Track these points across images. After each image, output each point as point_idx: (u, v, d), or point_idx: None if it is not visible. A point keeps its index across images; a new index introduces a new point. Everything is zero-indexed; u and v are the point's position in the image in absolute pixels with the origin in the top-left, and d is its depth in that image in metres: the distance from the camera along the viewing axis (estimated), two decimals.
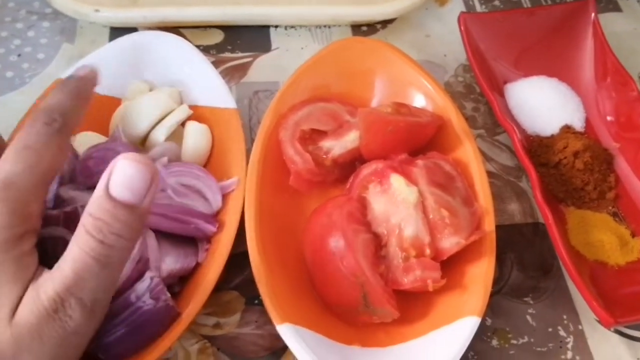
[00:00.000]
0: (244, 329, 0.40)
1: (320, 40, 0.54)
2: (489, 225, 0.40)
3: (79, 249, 0.24)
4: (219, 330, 0.40)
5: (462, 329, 0.37)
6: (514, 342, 0.41)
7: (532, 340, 0.41)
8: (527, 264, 0.44)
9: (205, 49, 0.53)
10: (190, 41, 0.53)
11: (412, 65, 0.47)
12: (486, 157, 0.49)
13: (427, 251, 0.39)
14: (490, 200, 0.41)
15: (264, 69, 0.52)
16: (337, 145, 0.43)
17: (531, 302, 0.43)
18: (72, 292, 0.25)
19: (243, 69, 0.52)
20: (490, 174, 0.48)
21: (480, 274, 0.39)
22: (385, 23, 0.56)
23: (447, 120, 0.45)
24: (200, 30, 0.54)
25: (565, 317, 0.42)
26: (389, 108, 0.43)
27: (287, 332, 0.35)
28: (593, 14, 0.52)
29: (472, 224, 0.40)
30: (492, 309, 0.42)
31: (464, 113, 0.51)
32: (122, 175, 0.23)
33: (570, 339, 0.42)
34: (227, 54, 0.53)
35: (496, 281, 0.44)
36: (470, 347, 0.40)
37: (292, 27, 0.55)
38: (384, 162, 0.42)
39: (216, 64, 0.52)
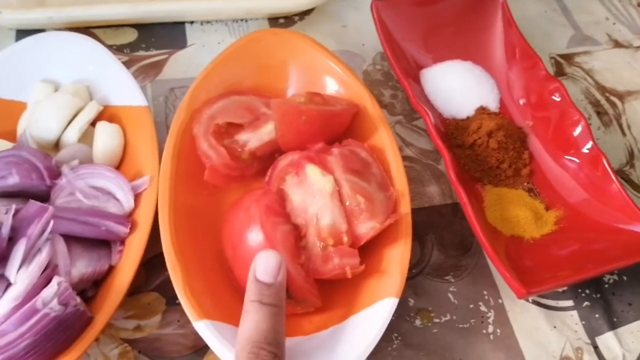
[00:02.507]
0: (165, 330, 0.40)
1: (237, 34, 0.54)
2: (405, 207, 0.41)
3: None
4: (139, 333, 0.39)
5: (380, 311, 0.37)
6: (437, 320, 0.42)
7: (454, 317, 0.42)
8: (447, 243, 0.45)
9: (118, 48, 0.52)
10: (102, 41, 0.52)
11: (327, 54, 0.47)
12: (405, 143, 0.50)
13: (345, 239, 0.39)
14: (405, 184, 0.42)
15: (180, 65, 0.51)
16: (254, 138, 0.43)
17: (452, 280, 0.44)
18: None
19: (158, 66, 0.51)
20: (409, 159, 0.49)
21: (398, 256, 0.39)
22: (303, 15, 0.56)
23: (362, 107, 0.45)
24: (112, 29, 0.53)
25: (485, 292, 0.44)
26: (303, 98, 0.43)
27: (205, 329, 0.35)
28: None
29: (388, 208, 0.41)
30: (415, 289, 0.43)
31: (382, 100, 0.52)
32: (261, 266, 0.33)
33: (492, 314, 0.43)
34: (142, 52, 0.52)
35: (417, 262, 0.44)
36: (394, 329, 0.41)
37: (208, 22, 0.54)
38: (300, 153, 0.42)
39: (130, 62, 0.51)
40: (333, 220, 0.39)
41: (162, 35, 0.53)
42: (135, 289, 0.41)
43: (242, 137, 0.43)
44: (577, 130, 0.47)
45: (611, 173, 0.45)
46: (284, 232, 0.39)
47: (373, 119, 0.45)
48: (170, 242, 0.38)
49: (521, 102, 0.51)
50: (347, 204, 0.40)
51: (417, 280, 0.44)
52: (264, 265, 0.33)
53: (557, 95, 0.48)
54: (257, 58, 0.46)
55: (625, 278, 0.45)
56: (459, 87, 0.51)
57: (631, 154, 0.52)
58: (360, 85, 0.46)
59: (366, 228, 0.39)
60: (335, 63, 0.46)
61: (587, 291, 0.45)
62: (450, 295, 0.43)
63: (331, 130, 0.44)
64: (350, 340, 0.37)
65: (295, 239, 0.39)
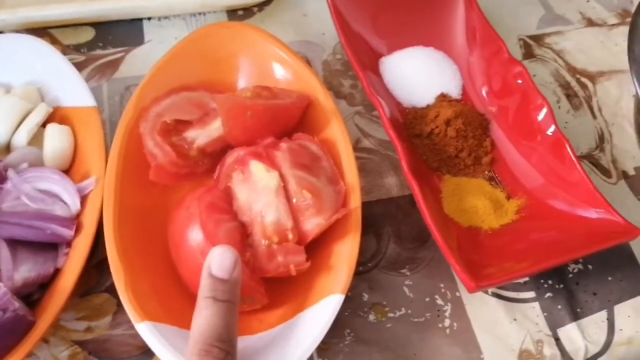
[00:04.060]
0: (115, 331, 0.40)
1: (194, 28, 0.53)
2: (355, 201, 0.40)
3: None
4: (90, 334, 0.39)
5: (325, 308, 0.37)
6: (391, 315, 0.41)
7: (409, 311, 0.42)
8: (404, 236, 0.45)
9: (75, 48, 0.51)
10: (60, 41, 0.52)
11: (278, 46, 0.46)
12: (364, 134, 0.49)
13: (290, 236, 0.38)
14: (356, 177, 0.41)
15: (136, 63, 0.51)
16: (202, 135, 0.43)
17: (408, 273, 0.43)
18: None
19: (114, 64, 0.51)
20: (368, 150, 0.48)
21: (346, 252, 0.39)
22: (262, 5, 0.55)
23: (314, 99, 0.44)
24: (70, 29, 0.52)
25: (442, 285, 0.43)
26: (249, 92, 0.42)
27: (146, 330, 0.35)
28: None
29: (337, 203, 0.40)
30: (369, 283, 0.43)
31: (342, 91, 0.51)
32: (216, 261, 0.33)
33: (448, 307, 0.42)
34: (99, 51, 0.51)
35: (373, 256, 0.44)
36: (347, 325, 0.41)
37: (165, 17, 0.54)
38: (245, 149, 0.41)
39: (87, 62, 0.51)
40: (277, 218, 0.38)
41: (120, 32, 0.52)
42: (87, 290, 0.41)
43: (190, 134, 0.43)
44: (540, 116, 0.46)
45: (574, 159, 0.43)
46: (228, 230, 0.38)
47: (325, 112, 0.44)
48: (113, 243, 0.38)
49: (484, 87, 0.49)
50: (294, 200, 0.39)
51: (373, 274, 0.43)
52: (219, 261, 0.33)
53: (520, 79, 0.47)
54: (207, 53, 0.46)
55: (590, 267, 0.44)
56: (418, 75, 0.49)
57: (601, 138, 0.50)
58: (312, 77, 0.45)
59: (312, 224, 0.39)
60: (287, 55, 0.46)
61: (550, 282, 0.43)
62: (405, 289, 0.42)
63: (280, 124, 0.43)
64: (296, 338, 0.36)
65: (241, 236, 0.39)
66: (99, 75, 0.50)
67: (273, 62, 0.46)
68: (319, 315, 0.37)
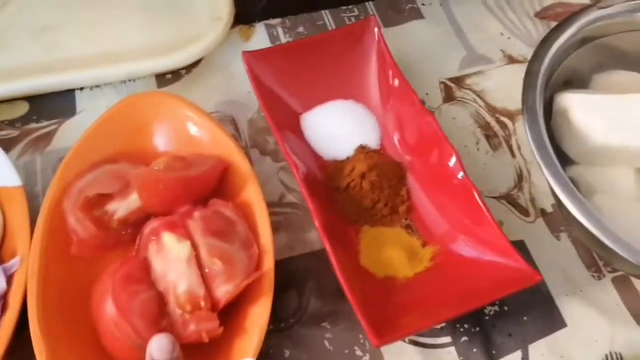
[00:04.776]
0: None
1: (124, 95, 0.55)
2: (268, 263, 0.42)
3: None
4: None
5: None
6: None
7: None
8: (325, 289, 0.46)
9: (10, 123, 0.54)
10: None
11: (196, 112, 0.48)
12: (288, 189, 0.51)
13: (202, 303, 0.40)
14: (270, 239, 0.43)
15: (70, 134, 0.53)
16: (122, 207, 0.45)
17: (329, 327, 0.45)
18: None
19: (48, 137, 0.53)
20: (292, 205, 0.50)
21: (258, 314, 0.40)
22: (190, 68, 0.57)
23: (231, 163, 0.46)
24: (5, 104, 0.55)
25: (361, 336, 0.44)
26: (162, 165, 0.44)
27: None
28: (376, 30, 0.53)
29: (250, 267, 0.42)
30: (292, 340, 0.44)
31: (267, 147, 0.53)
32: (155, 348, 0.36)
33: (367, 357, 0.44)
34: (33, 125, 0.54)
35: (295, 311, 0.45)
36: None
37: (97, 86, 0.56)
38: (160, 220, 0.43)
39: (21, 136, 0.53)
40: (189, 286, 0.40)
41: (53, 104, 0.55)
42: None
43: (111, 206, 0.45)
44: (450, 163, 0.47)
45: (481, 205, 0.45)
46: (144, 301, 0.40)
47: (242, 174, 0.46)
48: (36, 321, 0.39)
49: (399, 137, 0.51)
50: (206, 268, 0.41)
51: (294, 330, 0.45)
52: (158, 346, 0.36)
53: (430, 128, 0.49)
54: (127, 124, 0.48)
55: (506, 308, 0.46)
56: (336, 128, 0.51)
57: (520, 176, 0.52)
58: (229, 141, 0.47)
59: (223, 291, 0.40)
60: (204, 120, 0.48)
61: (466, 325, 0.45)
62: (326, 342, 0.44)
63: (195, 192, 0.45)
64: None
65: (158, 305, 0.41)
66: (33, 148, 0.52)
67: (191, 128, 0.48)
68: None
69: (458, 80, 0.58)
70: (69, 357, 0.39)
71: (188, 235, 0.42)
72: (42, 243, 0.42)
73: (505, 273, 0.43)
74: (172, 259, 0.41)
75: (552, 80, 0.48)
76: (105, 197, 0.45)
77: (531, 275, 0.42)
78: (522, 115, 0.44)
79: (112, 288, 0.39)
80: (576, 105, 0.46)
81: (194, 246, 0.42)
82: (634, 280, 0.47)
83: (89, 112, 0.54)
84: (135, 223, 0.45)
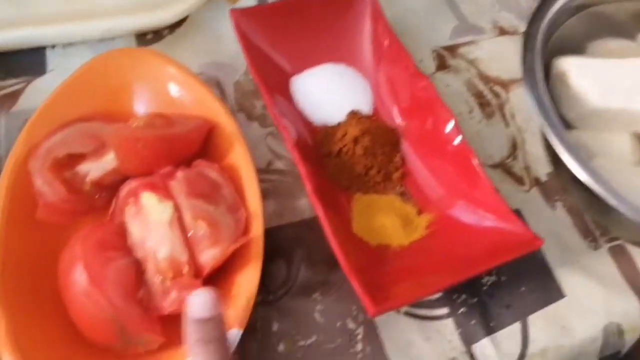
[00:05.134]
0: None
1: None
2: (257, 229, 0.39)
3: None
4: None
5: None
6: (302, 343, 0.40)
7: (320, 338, 0.40)
8: (315, 259, 0.43)
9: None
10: None
11: (179, 70, 0.45)
12: (277, 155, 0.48)
13: (185, 269, 0.37)
14: (259, 204, 0.40)
15: (38, 94, 0.49)
16: (95, 168, 0.41)
17: (319, 298, 0.42)
18: None
19: (14, 96, 0.49)
20: (280, 172, 0.47)
21: (245, 283, 0.37)
22: (173, 28, 0.54)
23: (217, 124, 0.43)
24: None
25: (354, 308, 0.42)
26: (142, 122, 0.41)
27: None
28: None
29: (237, 231, 0.39)
30: (280, 311, 0.41)
31: (254, 112, 0.50)
32: (194, 304, 0.31)
33: (360, 330, 0.41)
34: None
35: (284, 282, 0.43)
36: (255, 358, 0.40)
37: (70, 44, 0.52)
38: (139, 180, 0.40)
39: None
40: (171, 252, 0.37)
41: (21, 62, 0.51)
42: None
43: (83, 167, 0.41)
44: (447, 128, 0.45)
45: (479, 169, 0.43)
46: (119, 268, 0.37)
47: (228, 136, 0.43)
48: None
49: (393, 102, 0.49)
50: (189, 231, 0.38)
51: (283, 302, 0.42)
52: (197, 303, 0.32)
53: (426, 93, 0.47)
54: (104, 82, 0.44)
55: (503, 279, 0.44)
56: (327, 93, 0.49)
57: (514, 145, 0.50)
58: (214, 101, 0.44)
59: (208, 256, 0.37)
60: (188, 79, 0.44)
61: (464, 296, 0.43)
62: (316, 315, 0.41)
63: (177, 153, 0.42)
64: None
65: (136, 273, 0.38)
66: None
67: (173, 88, 0.45)
68: None
69: (451, 49, 0.56)
70: (31, 330, 0.36)
71: (170, 197, 0.39)
72: (4, 205, 0.39)
73: (505, 238, 0.41)
74: (152, 222, 0.38)
75: (549, 45, 0.46)
76: (76, 158, 0.42)
77: (532, 240, 0.40)
78: (523, 77, 0.42)
79: (84, 254, 0.36)
80: (574, 69, 0.45)
81: (177, 208, 0.38)
82: (631, 250, 0.46)
83: (61, 71, 0.50)
84: (111, 186, 0.42)
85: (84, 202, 0.41)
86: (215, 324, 0.32)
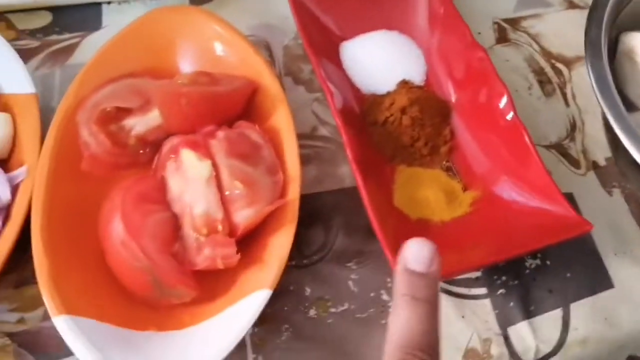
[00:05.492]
0: (46, 323, 0.39)
1: None
2: (293, 193, 0.39)
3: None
4: (21, 326, 0.39)
5: (251, 303, 0.35)
6: (333, 310, 0.40)
7: (352, 307, 0.40)
8: (353, 228, 0.43)
9: (31, 33, 0.50)
10: (16, 26, 0.51)
11: (228, 30, 0.44)
12: (321, 121, 0.47)
13: (220, 227, 0.37)
14: (297, 168, 0.39)
15: (92, 49, 0.49)
16: (140, 123, 0.41)
17: (354, 267, 0.41)
18: None
19: (69, 50, 0.50)
20: (324, 139, 0.47)
21: (279, 246, 0.37)
22: None
23: (261, 86, 0.43)
24: (26, 13, 0.51)
25: (389, 280, 0.41)
26: (186, 79, 0.41)
27: (62, 324, 0.34)
28: None
29: (274, 194, 0.39)
30: (314, 277, 0.41)
31: (301, 77, 0.49)
32: (412, 253, 0.29)
33: None
34: (55, 37, 0.50)
35: (320, 248, 0.42)
36: (285, 320, 0.40)
37: (125, 1, 0.52)
38: (180, 137, 0.40)
39: (41, 48, 0.50)
40: (207, 209, 0.37)
41: (77, 17, 0.51)
42: (22, 281, 0.40)
43: (129, 122, 0.42)
44: (500, 104, 0.43)
45: (532, 148, 0.41)
46: (157, 221, 0.37)
47: (272, 99, 0.42)
48: (39, 235, 0.37)
49: (446, 73, 0.47)
50: (226, 191, 0.38)
51: (317, 267, 0.41)
52: (415, 253, 0.29)
53: (481, 64, 0.44)
54: (152, 38, 0.44)
55: (548, 263, 0.42)
56: (378, 60, 0.47)
57: (573, 126, 0.48)
58: (260, 62, 0.43)
59: (243, 216, 0.37)
60: (234, 38, 0.44)
61: (504, 277, 0.41)
62: (350, 283, 0.41)
63: (221, 112, 0.41)
64: (220, 334, 0.35)
65: (173, 228, 0.38)
66: (52, 61, 0.49)
67: (219, 47, 0.44)
68: (245, 310, 0.35)
69: (513, 22, 0.53)
70: (71, 277, 0.37)
71: (210, 156, 0.39)
72: (52, 155, 0.39)
73: (552, 220, 0.39)
74: (190, 178, 0.38)
75: (618, 19, 0.43)
76: (123, 112, 0.42)
77: (581, 224, 0.38)
78: (585, 52, 0.39)
79: (122, 205, 0.36)
80: None
81: (215, 167, 0.38)
82: None
83: (115, 27, 0.50)
84: (155, 143, 0.42)
85: (128, 156, 0.41)
86: (429, 281, 0.29)
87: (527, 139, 0.41)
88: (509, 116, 0.42)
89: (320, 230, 0.43)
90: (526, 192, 0.40)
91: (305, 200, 0.39)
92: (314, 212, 0.43)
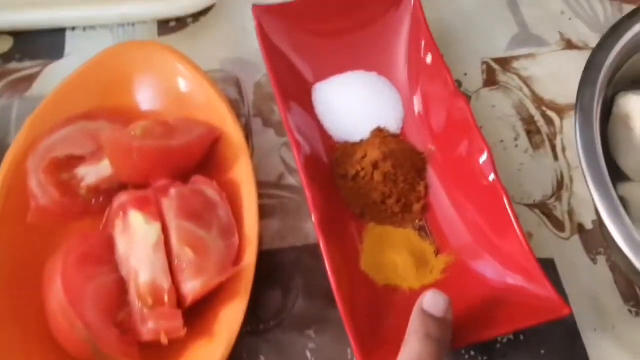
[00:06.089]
0: None
1: (121, 40, 0.49)
2: (249, 257, 0.36)
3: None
4: None
5: None
6: None
7: None
8: (315, 290, 0.40)
9: None
10: None
11: (190, 68, 0.42)
12: (289, 169, 0.44)
13: (165, 298, 0.35)
14: (255, 229, 0.37)
15: (53, 79, 0.47)
16: (92, 172, 0.39)
17: (313, 335, 0.39)
18: None
19: (29, 80, 0.47)
20: (290, 188, 0.44)
21: (229, 317, 0.35)
22: (197, 16, 0.50)
23: (223, 133, 0.40)
24: None
25: (349, 351, 0.38)
26: (139, 130, 0.38)
27: None
28: None
29: (227, 259, 0.36)
30: (270, 345, 0.38)
31: (271, 118, 0.46)
32: (430, 299, 0.33)
33: None
34: (14, 64, 0.48)
35: (278, 312, 0.39)
36: None
37: (91, 27, 0.50)
38: (130, 194, 0.37)
39: (0, 76, 0.47)
40: (153, 276, 0.35)
41: (40, 43, 0.49)
42: None
43: (80, 170, 0.39)
44: (480, 160, 0.40)
45: (513, 218, 0.37)
46: (101, 286, 0.35)
47: (233, 148, 0.40)
48: None
49: (423, 121, 0.44)
50: (175, 256, 0.35)
51: (274, 334, 0.39)
52: (433, 300, 0.33)
53: (461, 116, 0.41)
54: (109, 76, 0.42)
55: (521, 337, 0.39)
56: (352, 105, 0.44)
57: (560, 183, 0.44)
58: (224, 107, 0.41)
59: (191, 286, 0.35)
60: (198, 78, 0.42)
61: (472, 352, 0.39)
62: (308, 353, 0.38)
63: (176, 164, 0.39)
64: None
65: (119, 292, 0.36)
66: (10, 91, 0.47)
67: (181, 86, 0.42)
68: None
69: (504, 62, 0.49)
70: (10, 340, 0.34)
71: (160, 215, 0.36)
72: None
73: (528, 300, 0.36)
74: (137, 242, 0.35)
75: (617, 76, 0.40)
76: (75, 159, 0.40)
77: (558, 307, 0.35)
78: (575, 114, 0.36)
79: (63, 268, 0.34)
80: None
81: (165, 229, 0.36)
82: None
83: (78, 55, 0.48)
84: (107, 192, 0.40)
85: (79, 206, 0.39)
86: (443, 324, 0.32)
87: (507, 204, 0.38)
88: (490, 177, 0.39)
89: (279, 291, 0.40)
90: (502, 265, 0.37)
91: (265, 256, 0.37)
92: (273, 270, 0.40)
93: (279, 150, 0.45)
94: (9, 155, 0.39)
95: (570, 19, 0.52)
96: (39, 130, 0.40)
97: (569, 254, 0.42)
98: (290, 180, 0.44)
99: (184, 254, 0.35)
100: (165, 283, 0.35)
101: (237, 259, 0.36)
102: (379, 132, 0.44)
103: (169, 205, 0.36)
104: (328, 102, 0.44)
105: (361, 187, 0.41)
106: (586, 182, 0.35)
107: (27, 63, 0.48)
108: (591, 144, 0.35)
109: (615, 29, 0.39)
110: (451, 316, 0.32)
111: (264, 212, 0.37)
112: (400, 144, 0.43)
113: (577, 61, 0.49)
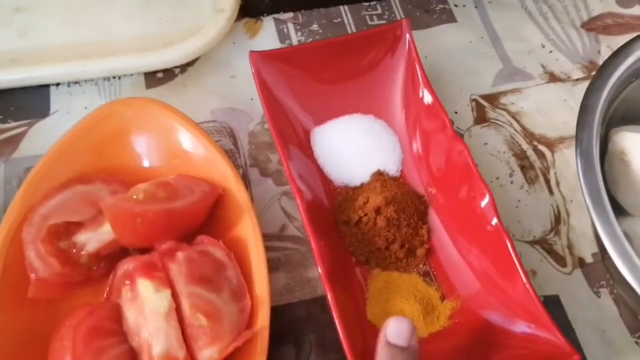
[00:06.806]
0: None
1: (107, 94, 0.48)
2: (263, 320, 0.35)
3: None
4: None
5: None
6: None
7: None
8: (328, 345, 0.40)
9: None
10: None
11: (188, 126, 0.41)
12: (291, 218, 0.44)
13: None
14: (266, 288, 0.36)
15: (40, 139, 0.46)
16: (93, 239, 0.38)
17: None
18: None
19: (14, 141, 0.46)
20: (293, 239, 0.43)
21: None
22: (185, 65, 0.50)
23: (226, 190, 0.39)
24: None
25: None
26: (142, 194, 0.37)
27: None
28: (408, 36, 0.46)
29: (240, 323, 0.35)
30: None
31: (268, 168, 0.46)
32: (393, 329, 0.31)
33: None
34: None
35: None
36: None
37: (76, 82, 0.48)
38: (136, 261, 0.36)
39: None
40: (167, 347, 0.34)
41: (24, 101, 0.47)
42: None
43: (80, 237, 0.38)
44: (482, 204, 0.40)
45: (515, 261, 0.38)
46: (113, 357, 0.34)
47: (237, 205, 0.39)
48: None
49: (423, 164, 0.44)
50: (187, 325, 0.34)
51: None
52: (396, 329, 0.31)
53: (460, 159, 0.42)
54: (104, 136, 0.41)
55: None
56: (351, 149, 0.44)
57: (557, 218, 0.45)
58: (223, 162, 0.40)
59: (206, 355, 0.34)
60: (196, 136, 0.41)
61: None
62: None
63: (180, 227, 0.38)
64: None
65: None
66: None
67: (179, 144, 0.41)
68: None
69: (492, 98, 0.50)
70: None
71: (168, 281, 0.35)
72: None
73: (538, 346, 0.36)
74: (148, 312, 0.34)
75: (609, 114, 0.41)
76: (74, 226, 0.39)
77: (569, 354, 0.35)
78: (576, 159, 0.37)
79: (73, 347, 0.33)
80: (636, 148, 0.39)
81: (175, 296, 0.35)
82: None
83: (65, 113, 0.47)
84: (109, 257, 0.38)
85: (81, 275, 0.38)
86: (409, 355, 0.31)
87: (511, 251, 0.38)
88: (493, 222, 0.39)
89: (292, 348, 0.39)
90: (509, 310, 0.38)
91: (275, 313, 0.36)
92: (285, 326, 0.40)
93: (279, 200, 0.44)
94: (3, 227, 0.37)
95: (551, 51, 0.53)
96: (33, 198, 0.38)
97: (573, 289, 0.42)
98: (292, 230, 0.43)
99: (197, 321, 0.34)
100: (180, 353, 0.34)
101: (251, 320, 0.36)
102: (379, 175, 0.44)
103: (178, 271, 0.35)
104: (327, 147, 0.44)
105: (365, 233, 0.41)
106: (594, 226, 0.35)
107: (11, 123, 0.46)
108: (595, 185, 0.36)
109: (603, 69, 0.40)
110: (416, 341, 0.32)
111: (269, 267, 0.37)
112: (401, 188, 0.43)
113: (562, 93, 0.51)
